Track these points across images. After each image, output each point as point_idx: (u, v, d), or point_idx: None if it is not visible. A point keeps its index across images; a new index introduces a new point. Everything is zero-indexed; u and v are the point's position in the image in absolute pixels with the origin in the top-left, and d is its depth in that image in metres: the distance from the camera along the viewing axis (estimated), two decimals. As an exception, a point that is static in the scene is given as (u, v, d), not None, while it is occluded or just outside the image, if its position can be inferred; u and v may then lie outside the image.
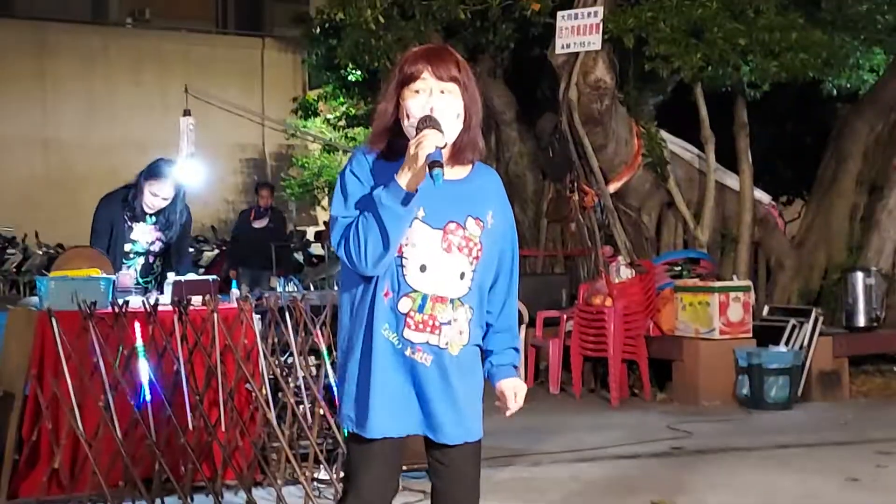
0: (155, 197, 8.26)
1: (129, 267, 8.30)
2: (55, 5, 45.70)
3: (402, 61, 3.89)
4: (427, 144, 3.64)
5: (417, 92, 3.80)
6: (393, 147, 3.84)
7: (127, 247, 8.32)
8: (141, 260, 8.40)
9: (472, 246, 3.86)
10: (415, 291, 3.81)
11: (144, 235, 8.37)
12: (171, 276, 7.98)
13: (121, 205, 8.31)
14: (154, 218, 8.34)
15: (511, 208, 4.10)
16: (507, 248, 4.03)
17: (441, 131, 3.71)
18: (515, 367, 4.10)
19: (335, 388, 7.35)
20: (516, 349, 4.11)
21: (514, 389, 4.05)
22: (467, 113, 3.86)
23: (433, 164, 3.61)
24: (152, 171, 8.31)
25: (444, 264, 3.83)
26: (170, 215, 8.38)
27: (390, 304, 3.81)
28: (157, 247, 8.43)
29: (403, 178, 3.67)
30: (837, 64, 12.91)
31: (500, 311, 4.05)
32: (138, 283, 8.27)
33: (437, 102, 3.79)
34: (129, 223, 8.31)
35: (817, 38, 12.15)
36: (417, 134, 3.69)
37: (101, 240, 8.28)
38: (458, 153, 3.89)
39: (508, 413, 4.07)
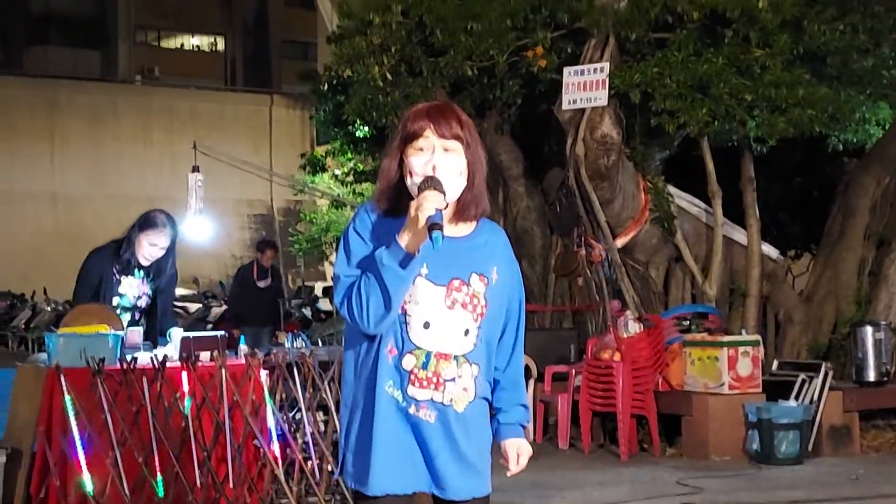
0: (153, 247, 8.27)
1: None
2: (65, 63, 46.11)
3: (406, 118, 3.89)
4: (427, 206, 3.64)
5: (421, 150, 3.81)
6: (397, 204, 3.83)
7: (114, 300, 8.31)
8: (127, 316, 8.39)
9: (475, 303, 3.86)
10: (418, 349, 3.80)
11: (132, 289, 8.36)
12: (179, 332, 7.99)
13: (110, 259, 8.32)
14: (142, 272, 8.34)
15: (518, 264, 4.09)
16: (514, 304, 4.02)
17: (442, 192, 3.72)
18: (523, 425, 4.09)
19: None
20: (524, 406, 4.10)
21: (517, 450, 4.04)
22: (470, 170, 3.86)
23: (433, 226, 3.62)
24: (148, 222, 8.31)
25: (448, 321, 3.83)
26: (161, 262, 8.38)
27: (394, 362, 3.80)
28: (143, 301, 8.42)
29: (404, 239, 3.68)
30: (844, 119, 12.92)
31: (507, 366, 4.04)
32: None
33: (440, 161, 3.79)
34: (118, 276, 8.31)
35: (823, 93, 12.18)
36: (418, 194, 3.70)
37: (85, 294, 8.28)
38: (462, 210, 3.88)
39: (509, 474, 4.06)
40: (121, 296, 8.34)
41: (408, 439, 3.81)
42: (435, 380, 3.80)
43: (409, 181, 3.81)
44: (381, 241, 3.77)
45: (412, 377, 3.79)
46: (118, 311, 8.30)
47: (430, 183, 3.72)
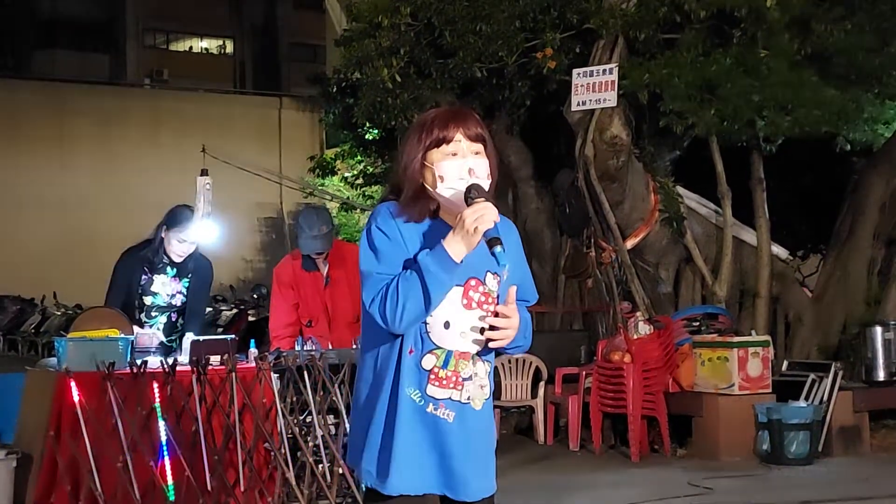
0: (183, 243, 8.33)
1: (151, 326, 8.32)
2: (74, 67, 46.15)
3: (430, 125, 3.85)
4: (488, 219, 3.66)
5: (454, 154, 3.80)
6: (419, 209, 3.84)
7: (148, 300, 8.34)
8: (164, 318, 8.41)
9: (490, 301, 3.88)
10: (439, 348, 3.83)
11: (165, 287, 8.39)
12: (189, 336, 8.00)
13: (140, 259, 8.35)
14: (174, 269, 8.38)
15: (524, 255, 4.12)
16: (525, 281, 4.05)
17: (491, 201, 3.71)
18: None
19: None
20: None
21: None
22: (492, 170, 3.87)
23: (493, 240, 3.64)
24: (175, 219, 8.39)
25: (466, 320, 3.85)
26: (188, 262, 8.43)
27: (414, 362, 3.81)
28: (178, 300, 8.45)
29: (455, 249, 3.69)
30: (851, 118, 12.90)
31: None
32: (162, 343, 8.27)
33: (473, 164, 3.80)
34: (150, 275, 8.34)
35: (830, 95, 12.16)
36: (468, 202, 3.69)
37: (117, 294, 8.31)
38: None
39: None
40: (154, 294, 8.37)
41: (424, 440, 3.83)
42: (454, 378, 3.83)
43: (439, 185, 3.80)
44: (406, 244, 3.78)
45: (432, 376, 3.82)
46: (153, 314, 8.33)
47: (479, 192, 3.72)
